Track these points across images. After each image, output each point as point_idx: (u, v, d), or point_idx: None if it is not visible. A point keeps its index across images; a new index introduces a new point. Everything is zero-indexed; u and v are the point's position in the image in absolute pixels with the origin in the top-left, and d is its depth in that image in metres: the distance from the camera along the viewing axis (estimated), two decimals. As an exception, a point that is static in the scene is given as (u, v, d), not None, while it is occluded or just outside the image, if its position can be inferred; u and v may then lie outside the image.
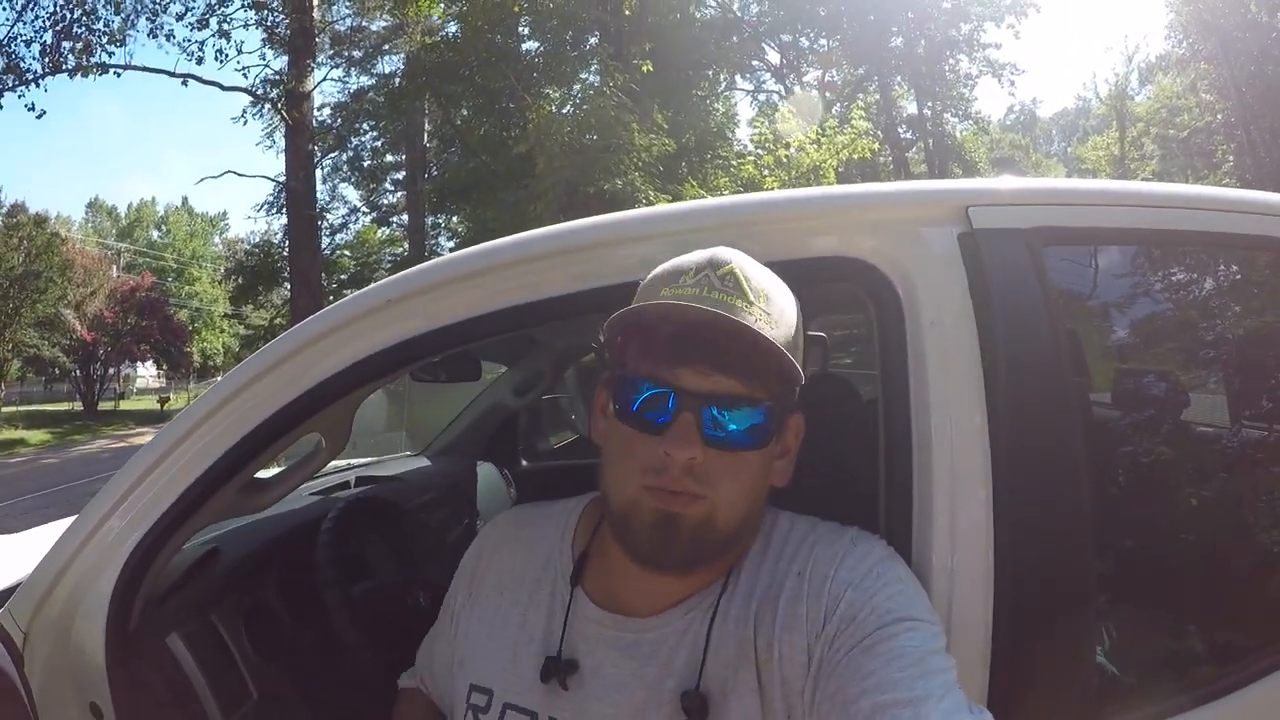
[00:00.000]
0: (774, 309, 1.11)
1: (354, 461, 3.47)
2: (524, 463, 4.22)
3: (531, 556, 1.31)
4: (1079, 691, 1.30)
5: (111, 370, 37.59)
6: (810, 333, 1.27)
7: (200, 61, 21.65)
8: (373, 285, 1.50)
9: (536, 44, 23.76)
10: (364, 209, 31.77)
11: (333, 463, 1.96)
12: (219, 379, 1.65)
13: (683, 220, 1.45)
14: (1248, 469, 1.65)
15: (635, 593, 1.19)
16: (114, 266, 43.97)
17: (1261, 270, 1.64)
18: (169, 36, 21.49)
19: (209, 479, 1.50)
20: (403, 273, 1.50)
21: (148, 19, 21.26)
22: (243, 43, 23.21)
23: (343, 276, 27.39)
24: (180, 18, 21.43)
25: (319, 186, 26.50)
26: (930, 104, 32.80)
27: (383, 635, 1.90)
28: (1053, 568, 1.29)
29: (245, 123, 27.41)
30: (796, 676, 1.09)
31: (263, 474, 1.72)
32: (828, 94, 27.31)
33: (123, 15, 20.98)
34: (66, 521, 1.64)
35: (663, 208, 1.54)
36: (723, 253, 1.14)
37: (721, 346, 1.06)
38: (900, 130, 32.70)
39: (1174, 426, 1.62)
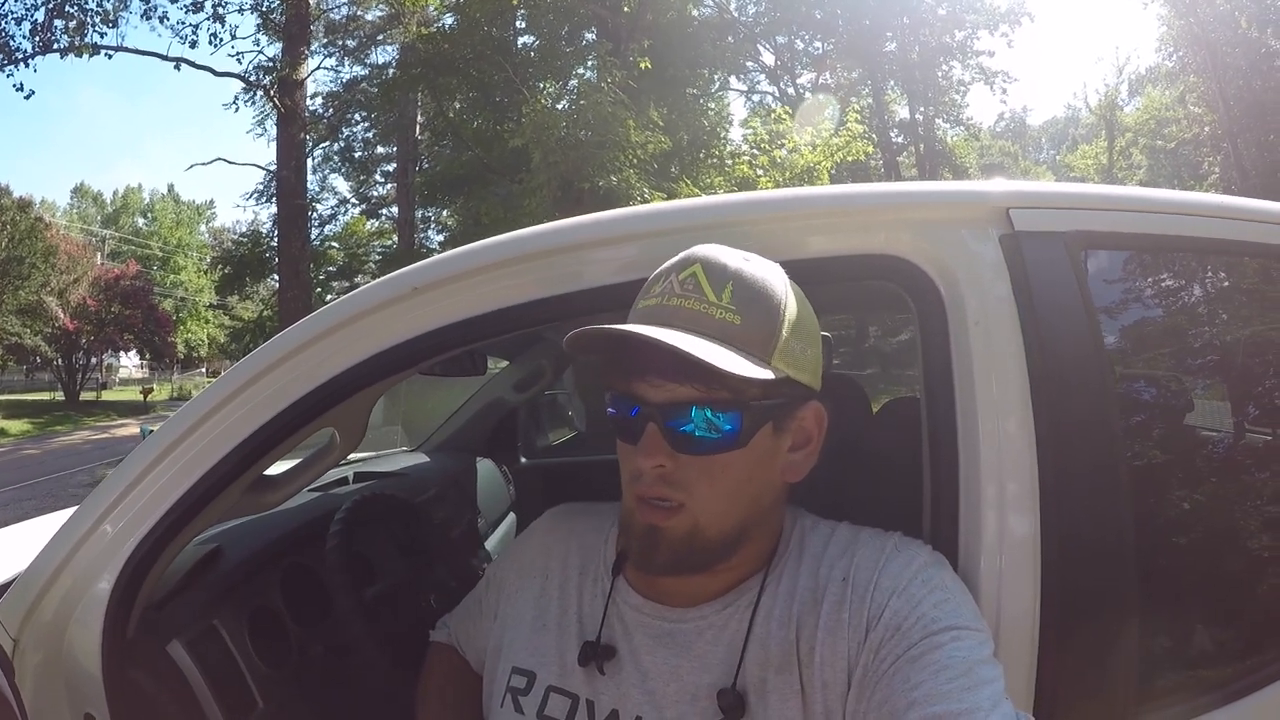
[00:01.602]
0: (742, 299, 1.10)
1: (351, 457, 3.41)
2: (523, 459, 4.20)
3: (580, 547, 1.35)
4: (1124, 693, 1.29)
5: (94, 360, 37.29)
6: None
7: (194, 45, 21.72)
8: (397, 272, 1.45)
9: (533, 38, 23.75)
10: (353, 200, 31.73)
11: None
12: (204, 371, 1.58)
13: (708, 215, 1.44)
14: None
15: (672, 585, 1.22)
16: (98, 254, 43.64)
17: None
18: (163, 18, 21.52)
19: (216, 475, 1.45)
20: (430, 259, 1.45)
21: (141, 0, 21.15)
22: (237, 27, 23.12)
23: (331, 268, 27.33)
24: (174, 0, 21.34)
25: (309, 176, 26.43)
26: (922, 109, 33.12)
27: (397, 639, 1.85)
28: (1099, 569, 1.28)
29: (237, 109, 27.04)
30: (838, 682, 1.09)
31: (271, 471, 1.66)
32: (820, 96, 27.40)
33: (117, -5, 20.88)
34: (52, 518, 1.57)
35: (702, 200, 1.51)
36: (694, 253, 1.15)
37: (664, 357, 1.06)
38: (892, 134, 32.88)
39: (1213, 428, 1.61)
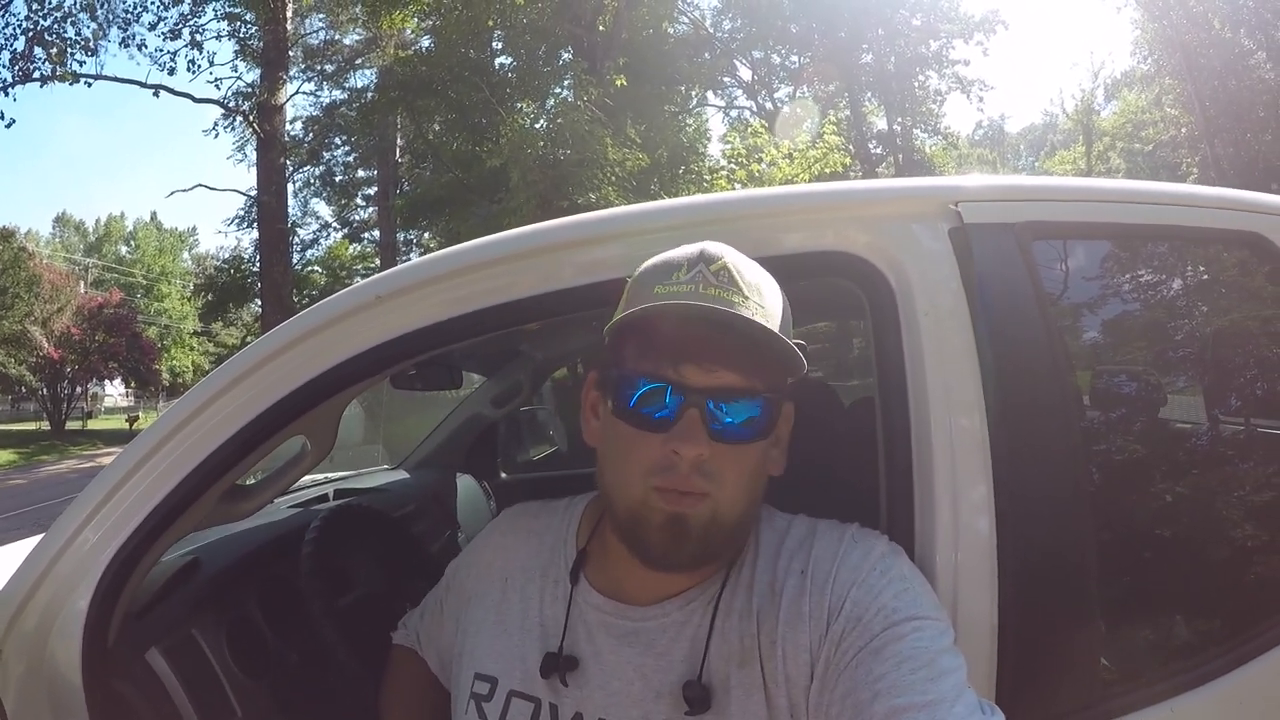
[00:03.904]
0: (766, 301, 1.11)
1: (330, 475, 3.42)
2: (503, 475, 4.20)
3: (538, 548, 1.32)
4: (1084, 681, 1.31)
5: (79, 389, 36.85)
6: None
7: (172, 72, 21.73)
8: (362, 283, 1.47)
9: (510, 58, 23.81)
10: (335, 224, 31.70)
11: (309, 476, 1.90)
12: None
13: (668, 217, 1.46)
14: (1235, 457, 1.68)
15: (635, 583, 1.20)
16: (81, 282, 43.30)
17: (1238, 262, 1.67)
18: (141, 46, 21.44)
19: (190, 485, 1.45)
20: (393, 269, 1.47)
21: (119, 28, 21.16)
22: (215, 54, 23.02)
23: (314, 292, 27.23)
24: (153, 27, 21.37)
25: (290, 201, 26.37)
26: (900, 120, 33.18)
27: (371, 648, 1.85)
28: (1054, 558, 1.30)
29: (216, 135, 26.93)
30: (800, 675, 1.09)
31: (244, 480, 1.67)
32: (799, 110, 27.52)
33: (96, 23, 20.84)
34: (37, 540, 1.58)
35: (657, 203, 1.54)
36: (713, 247, 1.14)
37: (721, 341, 1.07)
38: (870, 145, 32.97)
39: (1169, 418, 1.64)
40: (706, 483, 1.08)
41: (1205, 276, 1.75)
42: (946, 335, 1.33)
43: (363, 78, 28.33)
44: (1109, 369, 1.64)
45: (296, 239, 27.89)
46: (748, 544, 1.20)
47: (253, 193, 24.25)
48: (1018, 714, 1.22)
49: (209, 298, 28.87)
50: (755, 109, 30.64)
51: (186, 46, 21.52)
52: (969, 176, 1.59)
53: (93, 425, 40.03)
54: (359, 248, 32.93)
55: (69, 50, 20.50)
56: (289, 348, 1.45)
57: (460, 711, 1.25)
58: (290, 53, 24.50)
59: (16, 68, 19.96)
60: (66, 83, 20.59)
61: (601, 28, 19.54)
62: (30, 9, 20.01)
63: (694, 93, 28.08)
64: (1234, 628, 1.48)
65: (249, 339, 27.88)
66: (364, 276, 28.02)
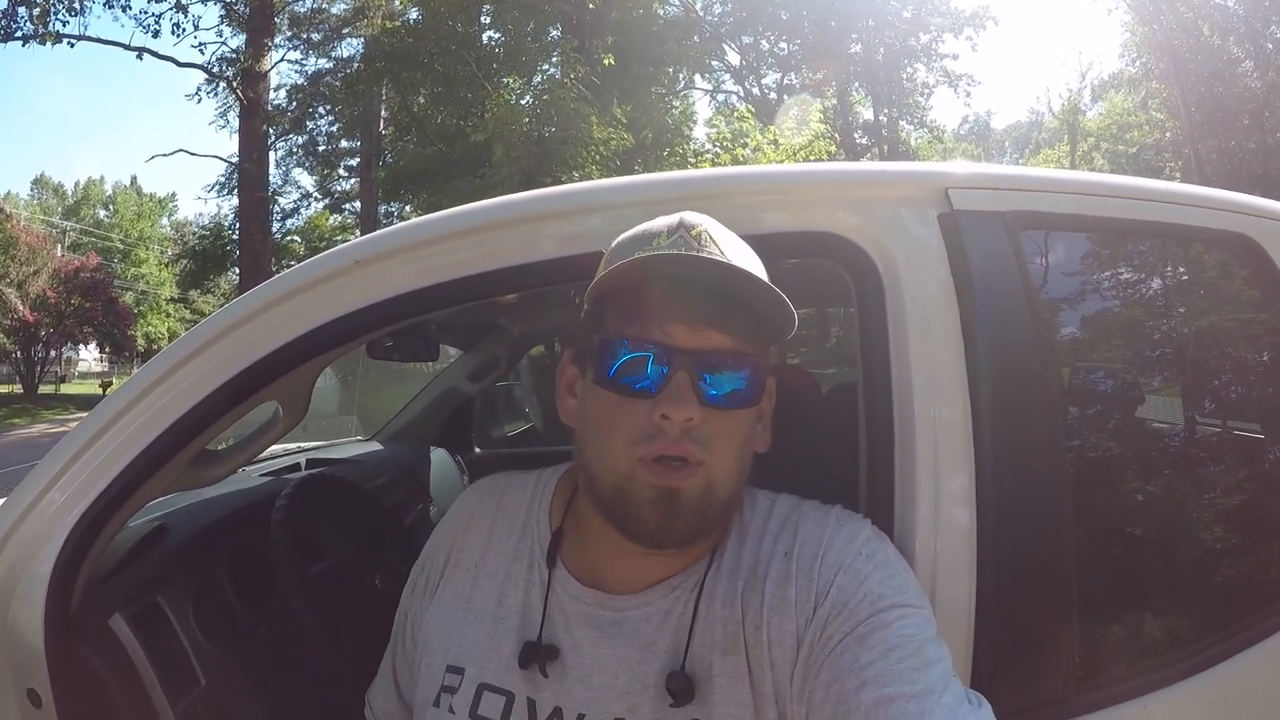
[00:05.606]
0: (748, 263, 1.08)
1: (303, 444, 3.40)
2: (477, 449, 4.19)
3: (509, 528, 1.25)
4: (1061, 674, 1.30)
5: (53, 353, 36.49)
6: None
7: (156, 35, 21.45)
8: (340, 246, 1.44)
9: (498, 33, 23.68)
10: (317, 195, 31.40)
11: (281, 445, 1.88)
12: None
13: (651, 190, 1.45)
14: (1216, 454, 1.69)
15: (616, 569, 1.15)
16: (59, 245, 42.75)
17: (1225, 262, 1.67)
18: (125, 7, 21.15)
19: (159, 448, 1.42)
20: (373, 233, 1.44)
21: (105, -12, 20.83)
22: (200, 18, 22.57)
23: (292, 262, 26.96)
24: (138, -12, 21.11)
25: (272, 170, 26.16)
26: (886, 111, 33.24)
27: (340, 618, 1.83)
28: (1034, 550, 1.30)
29: (199, 101, 26.50)
30: (785, 661, 1.06)
31: (215, 446, 1.64)
32: (786, 96, 27.53)
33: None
34: (1, 502, 1.55)
35: (641, 176, 1.52)
36: (692, 216, 1.10)
37: (709, 301, 1.03)
38: (856, 136, 33.02)
39: (1155, 413, 1.63)
40: (698, 449, 1.03)
41: (1192, 274, 1.75)
42: (933, 323, 1.32)
43: (349, 47, 28.02)
44: (1094, 362, 1.64)
45: (277, 208, 27.63)
46: (731, 524, 1.16)
47: (234, 159, 24.00)
48: (993, 705, 1.22)
49: (189, 265, 28.63)
50: (743, 94, 30.60)
51: (171, 9, 21.27)
52: (960, 163, 1.58)
53: (66, 390, 39.67)
54: (340, 219, 32.65)
55: (52, 9, 20.19)
56: (264, 311, 1.41)
57: (429, 704, 1.18)
58: (276, 19, 24.25)
59: (-1, 26, 19.67)
60: (49, 43, 20.29)
61: (592, 5, 19.49)
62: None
63: (681, 75, 28.00)
64: (1212, 625, 1.48)
65: (226, 307, 27.65)
66: (343, 247, 27.93)
